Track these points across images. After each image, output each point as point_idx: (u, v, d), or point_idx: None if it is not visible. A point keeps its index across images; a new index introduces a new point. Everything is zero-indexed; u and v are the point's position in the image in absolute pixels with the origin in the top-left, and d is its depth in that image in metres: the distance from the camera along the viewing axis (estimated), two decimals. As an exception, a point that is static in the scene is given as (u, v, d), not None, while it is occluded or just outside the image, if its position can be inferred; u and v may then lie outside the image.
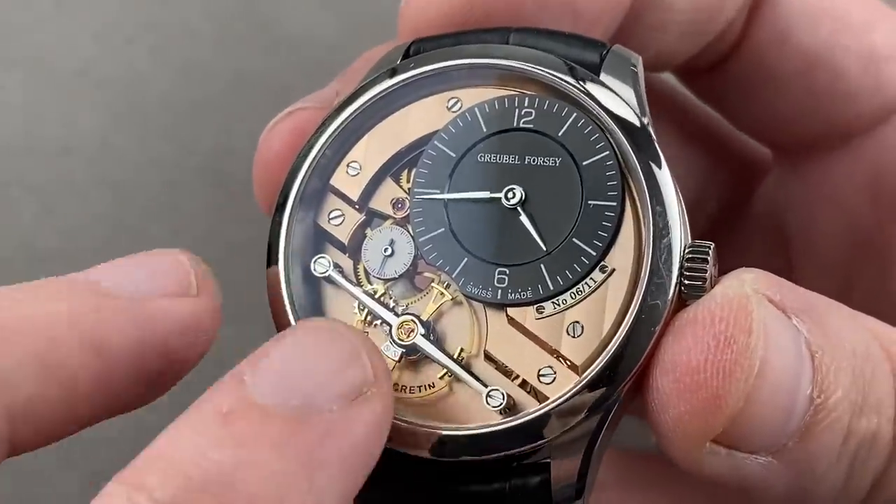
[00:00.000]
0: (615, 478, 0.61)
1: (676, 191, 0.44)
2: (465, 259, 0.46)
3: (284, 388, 0.38)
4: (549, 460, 0.44)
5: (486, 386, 0.45)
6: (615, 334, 0.43)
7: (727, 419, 0.41)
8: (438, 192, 0.47)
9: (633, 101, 0.46)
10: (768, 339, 0.41)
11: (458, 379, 0.45)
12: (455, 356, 0.46)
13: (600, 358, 0.43)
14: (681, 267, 0.43)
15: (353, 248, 0.48)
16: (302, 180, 0.48)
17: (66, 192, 0.79)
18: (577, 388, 0.43)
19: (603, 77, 0.47)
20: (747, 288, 0.42)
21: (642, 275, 0.43)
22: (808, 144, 0.59)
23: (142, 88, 0.80)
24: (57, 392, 0.40)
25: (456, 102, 0.48)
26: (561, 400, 0.43)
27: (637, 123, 0.45)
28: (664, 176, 0.44)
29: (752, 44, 0.56)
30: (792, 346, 0.42)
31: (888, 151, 0.57)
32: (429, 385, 0.46)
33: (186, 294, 0.43)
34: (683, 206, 0.44)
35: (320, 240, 0.48)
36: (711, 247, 0.44)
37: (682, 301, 0.43)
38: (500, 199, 0.46)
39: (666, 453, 0.44)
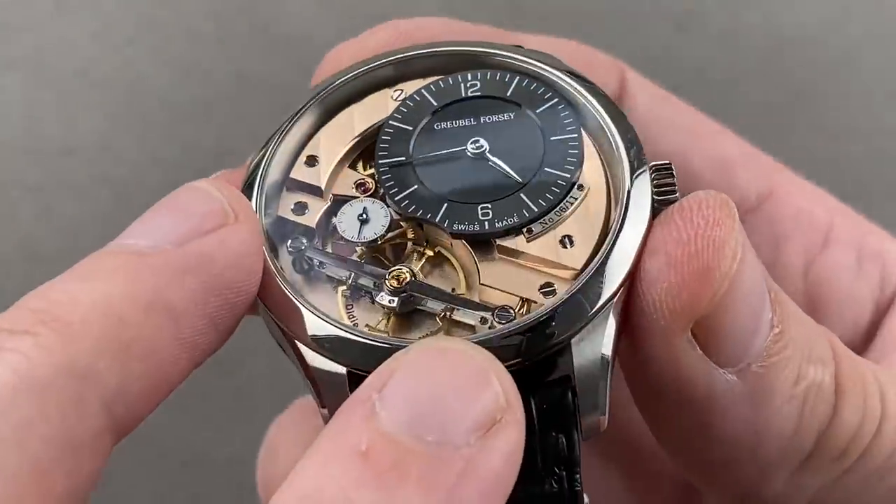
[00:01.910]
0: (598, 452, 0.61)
1: (625, 118, 0.48)
2: (446, 204, 0.47)
3: (418, 422, 0.38)
4: (569, 374, 0.44)
5: (490, 307, 0.45)
6: (606, 236, 0.45)
7: (712, 296, 0.43)
8: (403, 158, 0.48)
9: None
10: (746, 239, 0.44)
11: (455, 322, 0.45)
12: (451, 294, 0.46)
13: (597, 257, 0.44)
14: (651, 181, 0.46)
15: (323, 233, 0.48)
16: (262, 177, 0.48)
17: (66, 192, 0.79)
18: (581, 283, 0.44)
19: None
20: (722, 194, 0.44)
21: (621, 186, 0.46)
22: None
23: (142, 88, 0.80)
24: (141, 367, 0.39)
25: (400, 93, 0.50)
26: (569, 295, 0.44)
27: (570, 69, 0.49)
28: (612, 101, 0.48)
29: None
30: (757, 267, 0.44)
31: None
32: (426, 335, 0.45)
33: (226, 223, 0.43)
34: (636, 132, 0.48)
35: (287, 231, 0.48)
36: (671, 163, 0.46)
37: (657, 212, 0.45)
38: (464, 150, 0.48)
39: (643, 351, 0.45)
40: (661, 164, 0.46)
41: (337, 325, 0.44)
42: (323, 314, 0.45)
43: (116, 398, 0.39)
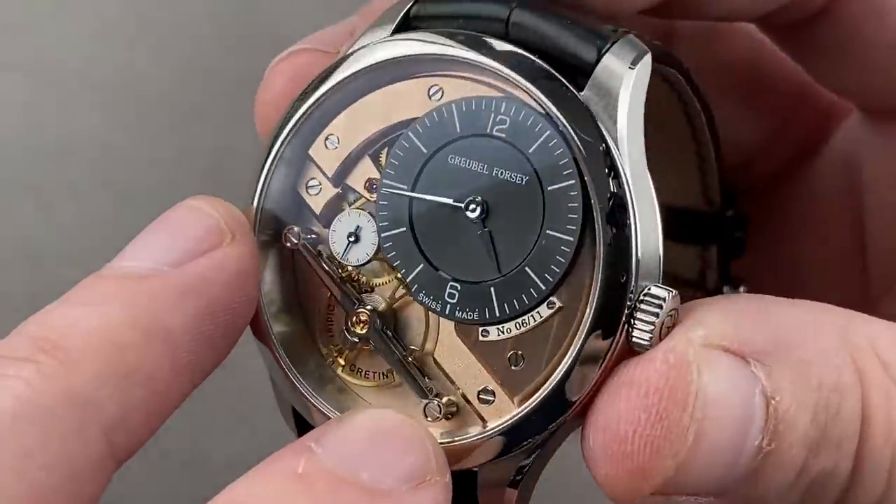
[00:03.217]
0: None
1: (654, 223, 0.42)
2: (421, 265, 0.45)
3: (354, 462, 0.38)
4: (476, 484, 0.44)
5: (427, 394, 0.44)
6: (553, 373, 0.42)
7: (655, 486, 0.40)
8: (406, 188, 0.46)
9: (622, 121, 0.43)
10: (707, 408, 0.40)
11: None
12: (407, 353, 0.45)
13: (536, 395, 0.42)
14: (630, 315, 0.41)
15: (327, 221, 0.47)
16: (281, 144, 0.47)
17: (66, 192, 0.79)
18: (510, 421, 0.42)
19: (594, 81, 0.44)
20: (691, 353, 0.40)
21: (587, 318, 0.42)
22: (892, 110, 0.57)
23: (142, 88, 0.80)
24: (141, 393, 0.39)
25: (438, 91, 0.46)
26: (491, 432, 0.43)
27: (614, 148, 0.43)
28: (633, 214, 0.42)
29: (845, 9, 0.53)
30: (739, 404, 0.40)
31: None
32: (383, 373, 0.45)
33: (222, 243, 0.42)
34: (659, 242, 0.42)
35: (298, 207, 0.47)
36: (669, 296, 0.41)
37: (631, 348, 0.41)
38: (462, 208, 0.44)
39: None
40: (655, 296, 0.41)
41: (291, 375, 0.45)
42: (283, 358, 0.45)
43: (117, 425, 0.38)
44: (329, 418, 0.44)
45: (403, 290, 0.45)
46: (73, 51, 0.80)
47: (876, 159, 0.59)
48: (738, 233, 0.59)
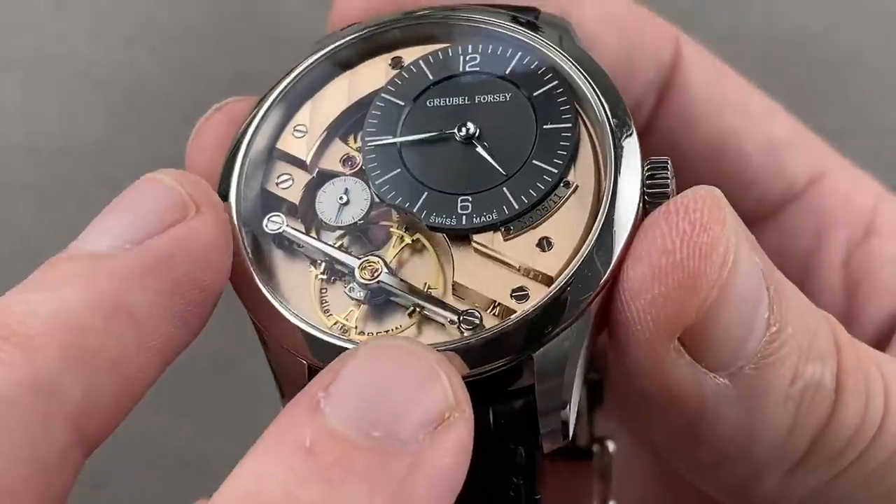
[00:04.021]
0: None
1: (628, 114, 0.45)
2: (426, 193, 0.45)
3: (365, 417, 0.37)
4: (533, 383, 0.43)
5: (456, 311, 0.44)
6: (585, 242, 0.43)
7: (699, 305, 0.41)
8: (390, 137, 0.47)
9: (585, 20, 0.48)
10: (738, 242, 0.41)
11: (426, 317, 0.44)
12: (422, 291, 0.44)
13: (572, 265, 0.43)
14: (643, 178, 0.44)
15: (305, 210, 0.47)
16: (248, 146, 0.47)
17: (66, 192, 0.79)
18: (551, 294, 0.42)
19: (542, 18, 0.48)
20: (716, 191, 0.42)
21: (606, 186, 0.44)
22: None
23: (142, 88, 0.80)
24: (108, 379, 0.38)
25: (398, 60, 0.48)
26: (536, 307, 0.42)
27: (580, 53, 0.47)
28: (618, 91, 0.46)
29: (662, 129, 0.57)
30: (753, 267, 0.42)
31: (788, 237, 0.58)
32: (395, 328, 0.44)
33: (186, 216, 0.41)
34: (634, 127, 0.45)
35: (270, 204, 0.47)
36: (669, 160, 0.44)
37: (647, 212, 0.43)
38: (453, 134, 0.46)
39: (627, 361, 0.43)
40: (658, 160, 0.44)
41: (297, 317, 0.44)
42: (287, 305, 0.44)
43: (83, 413, 0.38)
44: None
45: (402, 242, 0.45)
46: (73, 51, 0.80)
47: None
48: None
